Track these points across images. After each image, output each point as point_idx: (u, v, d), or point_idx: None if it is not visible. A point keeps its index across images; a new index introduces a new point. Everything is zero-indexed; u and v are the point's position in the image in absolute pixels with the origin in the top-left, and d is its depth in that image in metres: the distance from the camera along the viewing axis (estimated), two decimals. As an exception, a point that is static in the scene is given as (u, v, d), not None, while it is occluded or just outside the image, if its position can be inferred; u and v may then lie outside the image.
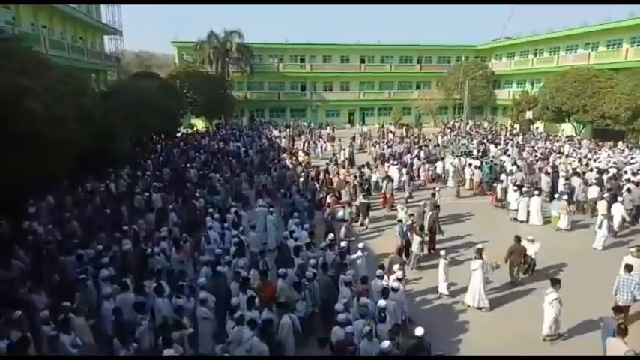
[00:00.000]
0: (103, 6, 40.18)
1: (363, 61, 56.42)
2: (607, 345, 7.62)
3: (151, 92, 26.24)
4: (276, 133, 40.12)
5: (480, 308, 10.70)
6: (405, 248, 13.32)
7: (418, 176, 23.44)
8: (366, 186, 19.38)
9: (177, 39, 50.59)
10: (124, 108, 21.19)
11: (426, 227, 14.31)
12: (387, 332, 7.57)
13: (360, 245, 11.82)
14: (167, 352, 6.82)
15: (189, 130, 40.96)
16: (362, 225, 16.93)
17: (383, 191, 19.70)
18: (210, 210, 14.77)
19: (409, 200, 19.52)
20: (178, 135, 35.69)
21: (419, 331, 7.41)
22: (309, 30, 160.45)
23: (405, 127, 44.09)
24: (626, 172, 20.65)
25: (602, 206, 15.94)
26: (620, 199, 15.99)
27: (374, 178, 21.26)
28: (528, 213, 17.37)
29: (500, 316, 10.50)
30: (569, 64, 39.81)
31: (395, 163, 24.31)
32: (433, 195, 17.20)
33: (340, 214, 16.22)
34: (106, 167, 20.11)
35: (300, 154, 28.25)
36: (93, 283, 9.62)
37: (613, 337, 7.49)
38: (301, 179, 20.66)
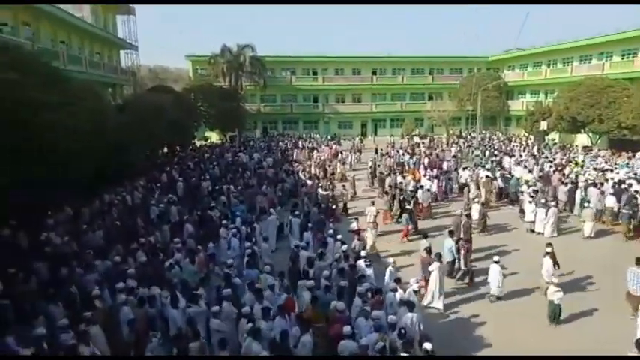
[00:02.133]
0: (119, 21, 41.14)
1: (374, 73, 56.71)
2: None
3: (166, 105, 26.64)
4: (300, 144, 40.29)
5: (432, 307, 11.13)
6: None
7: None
8: (402, 196, 19.20)
9: (191, 53, 51.41)
10: (139, 121, 21.52)
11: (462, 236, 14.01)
12: (402, 347, 7.43)
13: (390, 259, 11.76)
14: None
15: (204, 143, 41.38)
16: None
17: (420, 201, 19.59)
18: (225, 222, 14.85)
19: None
20: (192, 147, 36.06)
21: (428, 345, 7.35)
22: (321, 43, 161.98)
23: (429, 139, 44.19)
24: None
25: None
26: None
27: (410, 188, 20.91)
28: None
29: (521, 329, 10.29)
30: (584, 74, 39.41)
31: (424, 174, 24.27)
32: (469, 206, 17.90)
33: (354, 225, 16.14)
34: (122, 179, 20.39)
35: (339, 165, 28.69)
36: (109, 294, 9.70)
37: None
38: (320, 190, 20.53)
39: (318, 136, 48.31)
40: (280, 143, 41.64)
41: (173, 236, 13.91)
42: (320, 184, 22.05)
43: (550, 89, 46.85)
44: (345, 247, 12.29)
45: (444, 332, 10.08)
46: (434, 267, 11.27)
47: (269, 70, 50.34)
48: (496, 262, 11.76)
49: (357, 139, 44.26)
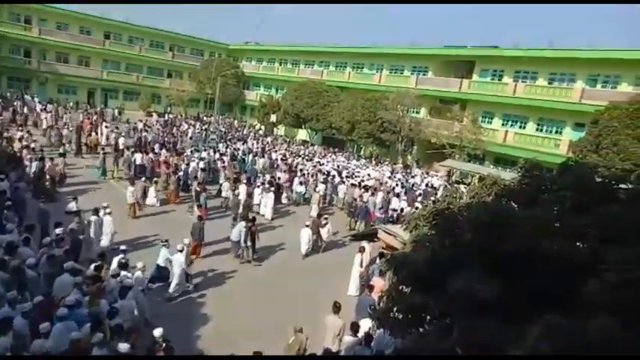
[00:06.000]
0: None
1: (107, 37, 50.80)
2: (326, 321, 8.80)
3: None
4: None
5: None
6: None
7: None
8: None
9: None
10: None
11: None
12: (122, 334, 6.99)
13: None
14: None
15: None
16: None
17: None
18: None
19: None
20: None
21: (157, 332, 7.16)
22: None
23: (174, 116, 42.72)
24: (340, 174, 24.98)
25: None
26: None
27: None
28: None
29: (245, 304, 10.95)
30: (308, 76, 45.26)
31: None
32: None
33: (71, 205, 13.96)
34: None
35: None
36: None
37: (331, 315, 8.75)
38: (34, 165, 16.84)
39: (29, 97, 39.76)
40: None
41: None
42: (30, 156, 18.20)
43: (281, 86, 51.82)
44: (59, 230, 10.54)
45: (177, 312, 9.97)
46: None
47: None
48: (307, 225, 14.25)
49: (116, 110, 41.66)
